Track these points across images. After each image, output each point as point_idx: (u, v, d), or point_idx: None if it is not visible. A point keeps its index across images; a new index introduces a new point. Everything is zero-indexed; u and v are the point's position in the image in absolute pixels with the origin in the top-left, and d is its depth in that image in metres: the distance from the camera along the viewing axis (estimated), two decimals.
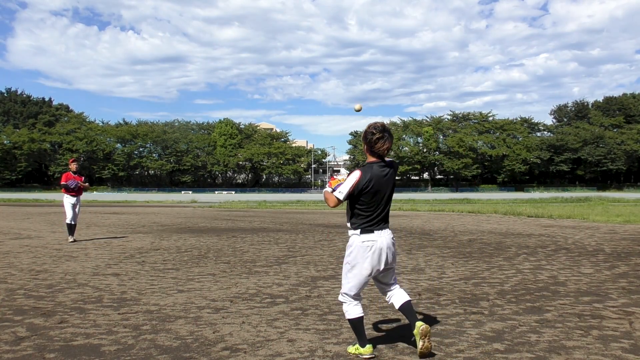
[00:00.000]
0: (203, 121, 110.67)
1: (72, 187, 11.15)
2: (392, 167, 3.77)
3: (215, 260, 8.42)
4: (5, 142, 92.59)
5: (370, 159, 3.76)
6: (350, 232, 3.76)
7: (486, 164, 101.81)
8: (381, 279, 3.87)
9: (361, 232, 3.68)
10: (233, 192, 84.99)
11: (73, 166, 11.40)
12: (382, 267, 3.71)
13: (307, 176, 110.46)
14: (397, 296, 3.87)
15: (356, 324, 3.76)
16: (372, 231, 3.68)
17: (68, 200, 11.21)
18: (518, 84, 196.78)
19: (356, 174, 3.64)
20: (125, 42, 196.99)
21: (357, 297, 3.78)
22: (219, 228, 14.83)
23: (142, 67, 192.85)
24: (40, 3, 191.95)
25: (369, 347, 3.75)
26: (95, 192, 79.29)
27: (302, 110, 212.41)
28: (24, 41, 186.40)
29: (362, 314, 3.79)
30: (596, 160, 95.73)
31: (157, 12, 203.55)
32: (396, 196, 57.60)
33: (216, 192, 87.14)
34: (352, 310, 3.75)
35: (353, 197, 3.68)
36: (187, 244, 10.81)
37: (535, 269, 7.50)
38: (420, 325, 3.64)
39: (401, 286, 3.98)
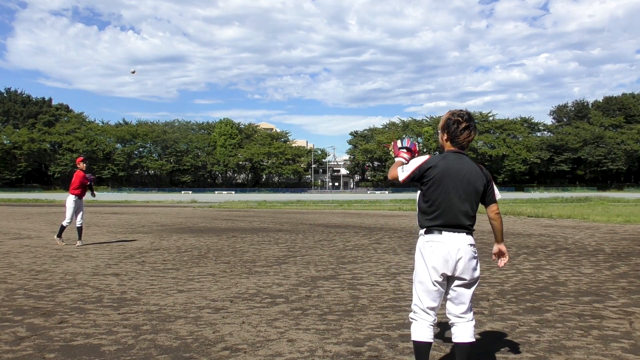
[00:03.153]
0: (203, 121, 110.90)
1: (89, 180, 10.56)
2: (474, 165, 3.19)
3: (215, 260, 8.42)
4: (5, 142, 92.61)
5: (449, 148, 3.23)
6: (419, 232, 3.26)
7: (486, 164, 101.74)
8: (451, 299, 3.19)
9: (426, 232, 3.17)
10: (233, 192, 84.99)
11: (83, 165, 10.65)
12: (449, 272, 3.09)
13: (307, 176, 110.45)
14: (460, 330, 3.19)
15: (419, 349, 3.13)
16: (440, 232, 3.12)
17: (74, 201, 10.45)
18: (518, 84, 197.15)
19: (424, 156, 3.18)
20: (125, 42, 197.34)
21: (427, 313, 3.15)
22: (219, 228, 14.82)
23: (142, 67, 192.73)
24: (40, 3, 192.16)
25: None
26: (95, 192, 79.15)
27: (302, 110, 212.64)
28: (24, 41, 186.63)
29: (431, 340, 3.15)
30: (596, 160, 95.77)
31: (157, 12, 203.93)
32: (396, 196, 57.66)
33: (216, 192, 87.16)
34: (418, 330, 3.14)
35: (418, 183, 3.21)
36: (187, 244, 10.81)
37: (535, 269, 7.50)
38: None
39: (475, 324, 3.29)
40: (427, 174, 3.14)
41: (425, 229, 3.17)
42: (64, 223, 10.57)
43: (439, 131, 3.29)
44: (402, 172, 3.20)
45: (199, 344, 4.05)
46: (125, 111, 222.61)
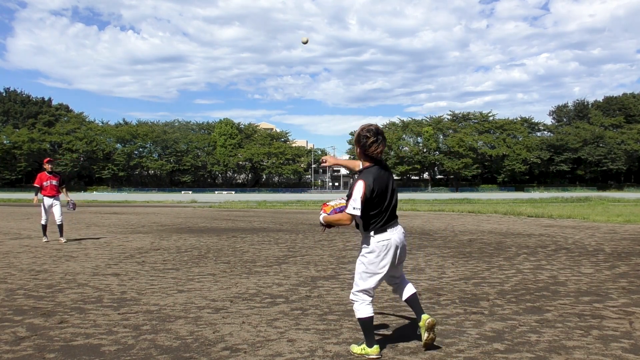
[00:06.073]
0: (203, 121, 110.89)
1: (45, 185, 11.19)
2: (387, 168, 3.85)
3: (215, 260, 8.42)
4: (5, 142, 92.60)
5: (366, 163, 3.78)
6: (365, 234, 3.80)
7: (486, 164, 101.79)
8: (392, 272, 3.92)
9: (375, 233, 3.73)
10: (233, 192, 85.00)
11: (48, 166, 11.26)
12: (396, 262, 3.82)
13: (307, 176, 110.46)
14: (404, 288, 3.99)
15: (367, 323, 3.76)
16: (385, 230, 3.73)
17: (45, 201, 11.16)
18: (519, 84, 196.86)
19: (360, 184, 3.62)
20: (125, 41, 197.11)
21: (371, 295, 3.80)
22: (219, 228, 14.82)
23: (142, 67, 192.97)
24: (40, 3, 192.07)
25: (376, 348, 3.74)
26: (95, 192, 79.36)
27: (302, 110, 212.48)
28: (24, 41, 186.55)
29: (373, 314, 3.79)
30: (596, 160, 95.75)
31: (157, 11, 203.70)
32: None
33: (216, 192, 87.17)
34: (364, 309, 3.74)
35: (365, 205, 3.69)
36: (187, 244, 10.81)
37: (535, 269, 7.50)
38: (426, 318, 3.81)
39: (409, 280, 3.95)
40: (372, 193, 3.63)
41: (374, 231, 3.72)
42: (41, 222, 11.30)
43: (354, 143, 3.80)
44: (356, 210, 3.61)
45: (199, 344, 4.05)
46: (125, 111, 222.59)
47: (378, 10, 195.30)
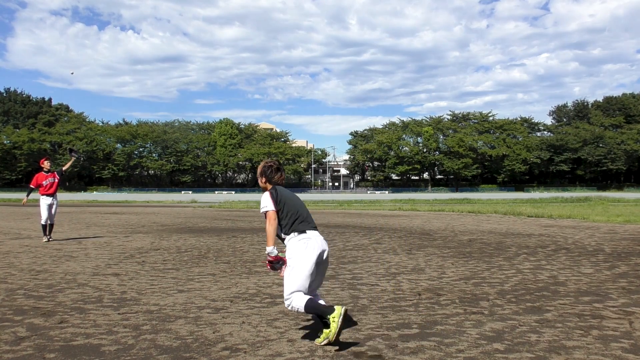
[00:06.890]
0: (203, 121, 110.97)
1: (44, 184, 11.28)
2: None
3: (215, 260, 8.42)
4: (5, 142, 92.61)
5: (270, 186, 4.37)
6: (287, 240, 4.18)
7: (486, 164, 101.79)
8: (310, 280, 4.15)
9: (298, 233, 4.14)
10: (233, 192, 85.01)
11: (47, 164, 11.30)
12: (320, 266, 4.19)
13: (307, 176, 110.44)
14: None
15: (311, 306, 3.97)
16: (304, 231, 4.16)
17: (44, 201, 11.21)
18: (519, 84, 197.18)
19: (265, 194, 4.23)
20: (125, 41, 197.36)
21: (306, 293, 4.08)
22: (219, 228, 14.82)
23: (142, 67, 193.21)
24: (40, 3, 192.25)
25: (338, 307, 3.91)
26: (95, 192, 79.35)
27: (303, 110, 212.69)
28: (24, 41, 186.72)
29: (308, 296, 4.05)
30: (596, 160, 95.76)
31: (157, 11, 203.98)
32: (396, 196, 57.93)
33: (216, 192, 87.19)
34: (300, 299, 3.98)
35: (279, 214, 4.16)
36: (187, 244, 10.81)
37: (535, 269, 7.50)
38: (341, 308, 4.01)
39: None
40: (280, 200, 4.19)
41: (296, 232, 4.13)
42: (42, 222, 11.32)
43: (258, 177, 4.43)
44: (267, 207, 4.13)
45: (199, 344, 4.06)
46: (125, 111, 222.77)
47: (378, 10, 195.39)
